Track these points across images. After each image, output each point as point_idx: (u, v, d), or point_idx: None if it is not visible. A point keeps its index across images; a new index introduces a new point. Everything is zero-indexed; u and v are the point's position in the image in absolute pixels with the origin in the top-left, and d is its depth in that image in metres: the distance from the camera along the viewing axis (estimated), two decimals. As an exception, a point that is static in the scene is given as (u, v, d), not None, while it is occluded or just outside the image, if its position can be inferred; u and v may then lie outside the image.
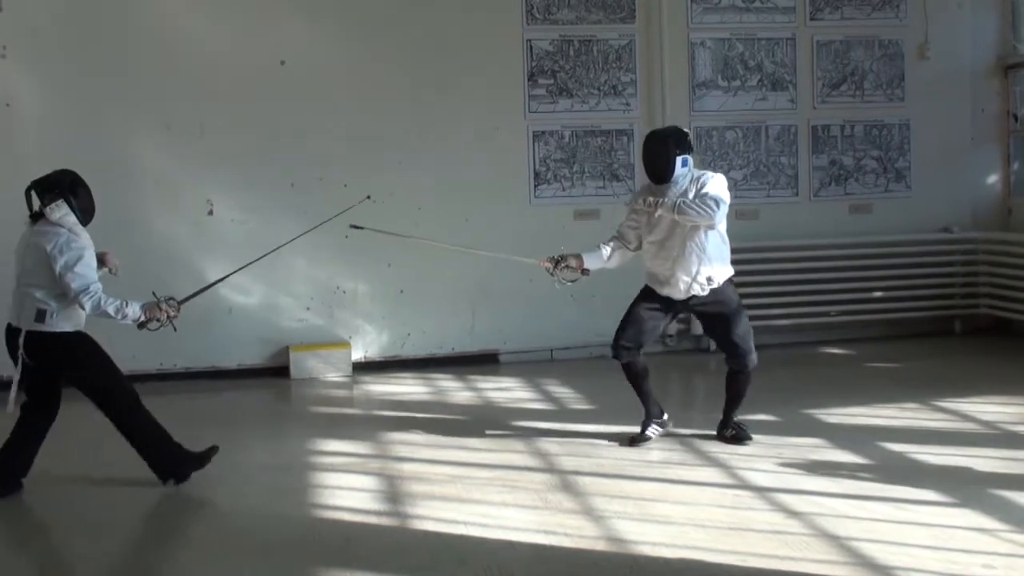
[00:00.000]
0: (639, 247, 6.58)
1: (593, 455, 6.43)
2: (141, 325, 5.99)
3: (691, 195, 6.27)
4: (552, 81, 9.55)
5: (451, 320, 9.51)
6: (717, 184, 6.33)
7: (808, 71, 9.99)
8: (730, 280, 6.53)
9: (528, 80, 9.51)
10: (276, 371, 9.13)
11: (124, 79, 8.83)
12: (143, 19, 8.89)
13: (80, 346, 5.96)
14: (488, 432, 7.09)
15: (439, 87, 9.33)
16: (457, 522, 5.33)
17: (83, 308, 5.81)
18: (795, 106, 9.98)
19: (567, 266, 6.55)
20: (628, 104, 9.69)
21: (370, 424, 7.47)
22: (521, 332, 9.57)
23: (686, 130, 6.59)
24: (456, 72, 9.37)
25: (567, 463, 6.29)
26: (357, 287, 9.34)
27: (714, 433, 6.70)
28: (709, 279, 6.39)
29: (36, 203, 5.88)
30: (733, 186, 9.67)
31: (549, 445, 6.70)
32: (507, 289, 9.47)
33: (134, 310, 5.87)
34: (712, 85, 9.83)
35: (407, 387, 8.71)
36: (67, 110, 8.79)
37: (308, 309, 9.23)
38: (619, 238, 6.64)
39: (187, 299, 6.18)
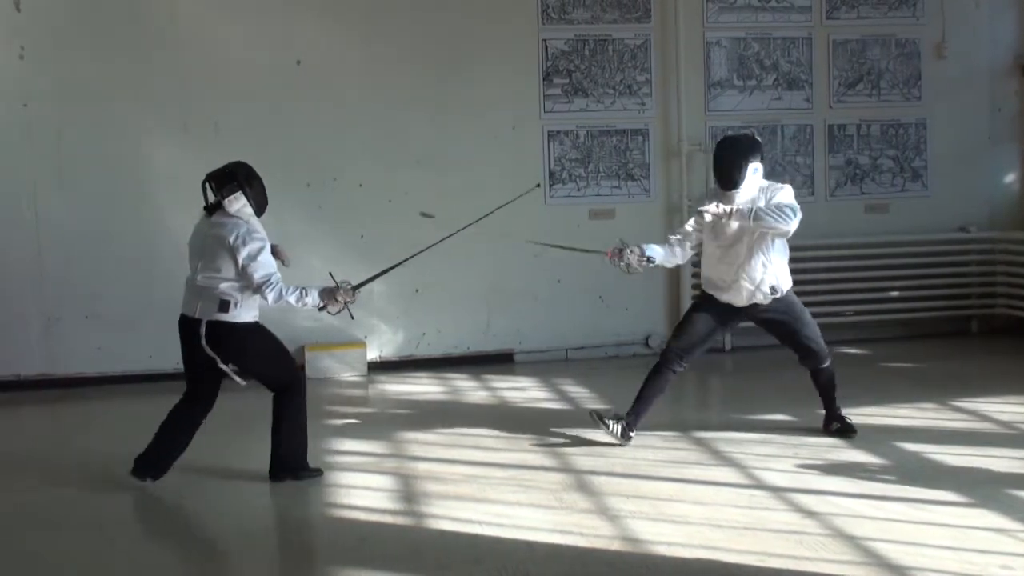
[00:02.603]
0: (698, 250, 6.56)
1: (608, 455, 6.42)
2: (320, 309, 6.05)
3: (762, 203, 6.21)
4: (567, 81, 9.54)
5: (466, 320, 9.51)
6: (788, 194, 6.28)
7: (824, 70, 9.95)
8: (791, 288, 6.53)
9: (543, 80, 9.49)
10: (292, 370, 9.15)
11: (140, 79, 8.86)
12: (159, 19, 8.90)
13: (260, 336, 6.02)
14: (503, 432, 7.08)
15: (454, 87, 9.33)
16: (472, 522, 5.34)
17: (265, 298, 5.84)
18: (811, 105, 9.94)
19: (630, 253, 6.46)
20: (643, 104, 9.67)
21: (385, 424, 7.47)
22: (536, 332, 9.57)
23: (758, 137, 6.52)
24: (471, 72, 9.36)
25: (582, 463, 6.28)
26: (372, 286, 9.25)
27: (733, 433, 6.72)
28: (773, 288, 6.36)
29: (211, 196, 5.95)
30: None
31: (564, 445, 6.70)
32: (522, 289, 9.47)
33: (313, 298, 5.94)
34: (728, 84, 9.81)
35: (422, 387, 8.71)
36: (83, 110, 8.82)
37: (323, 308, 9.20)
38: (684, 237, 6.58)
39: (361, 284, 6.18)
